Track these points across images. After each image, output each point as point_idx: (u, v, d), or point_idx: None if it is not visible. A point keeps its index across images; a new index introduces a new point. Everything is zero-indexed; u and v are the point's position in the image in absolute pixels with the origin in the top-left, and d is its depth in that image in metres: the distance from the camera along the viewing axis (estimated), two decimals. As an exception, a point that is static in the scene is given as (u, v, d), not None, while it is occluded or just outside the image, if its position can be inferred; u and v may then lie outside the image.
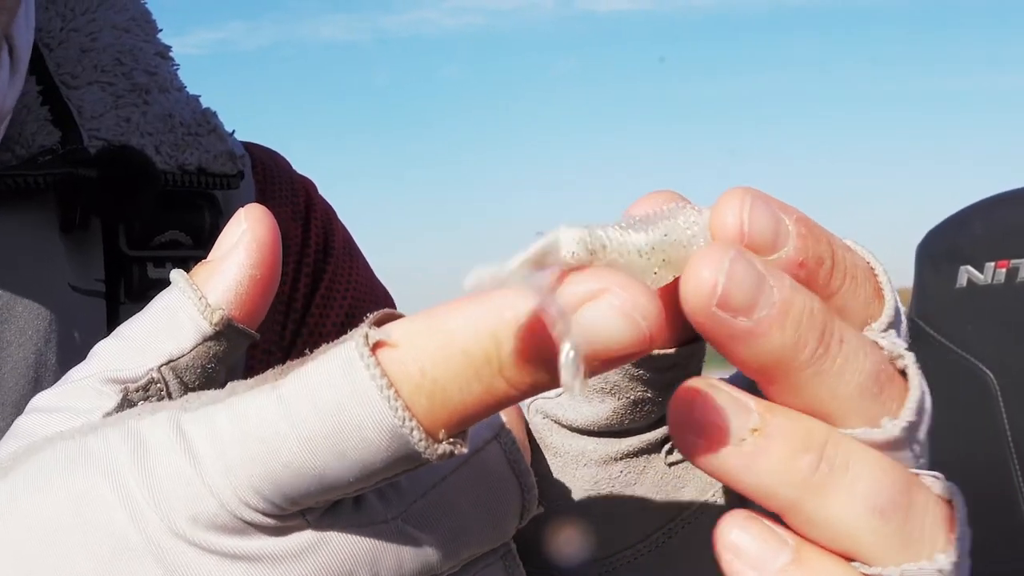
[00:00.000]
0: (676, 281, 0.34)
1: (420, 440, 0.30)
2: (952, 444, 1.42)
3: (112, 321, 0.73)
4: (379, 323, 0.32)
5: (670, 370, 0.41)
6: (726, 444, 0.33)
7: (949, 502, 0.35)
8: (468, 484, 0.36)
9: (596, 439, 0.44)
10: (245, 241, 0.40)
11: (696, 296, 0.32)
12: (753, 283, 0.32)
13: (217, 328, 0.38)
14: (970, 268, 1.42)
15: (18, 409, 0.64)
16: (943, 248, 1.49)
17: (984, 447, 1.40)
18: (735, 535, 0.34)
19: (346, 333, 0.31)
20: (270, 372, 0.33)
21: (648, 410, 0.43)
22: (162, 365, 0.38)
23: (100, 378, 0.38)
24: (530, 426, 0.46)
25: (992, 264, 1.40)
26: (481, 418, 0.31)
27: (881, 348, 0.35)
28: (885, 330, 0.35)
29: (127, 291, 0.74)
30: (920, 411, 0.34)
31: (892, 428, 0.34)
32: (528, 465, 0.37)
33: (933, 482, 0.35)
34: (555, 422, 0.45)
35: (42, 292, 0.67)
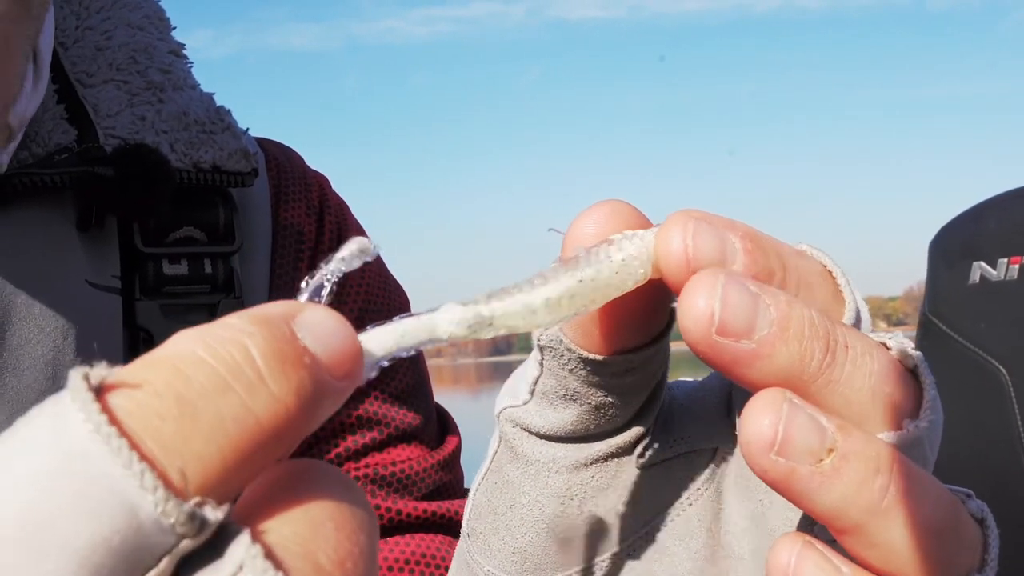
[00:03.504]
0: (630, 289, 0.34)
1: (157, 489, 0.22)
2: (964, 440, 1.42)
3: (128, 317, 0.73)
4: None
5: (626, 374, 0.41)
6: (804, 463, 0.32)
7: (981, 520, 0.35)
8: None
9: (565, 445, 0.44)
10: None
11: (695, 326, 0.32)
12: (749, 304, 0.32)
13: None
14: (983, 264, 1.42)
15: (37, 404, 0.65)
16: (956, 244, 1.48)
17: (996, 442, 1.39)
18: (790, 559, 0.33)
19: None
20: None
21: (612, 415, 0.43)
22: None
23: None
24: (502, 436, 0.46)
25: (1005, 260, 1.40)
26: (251, 469, 0.25)
27: (888, 348, 0.35)
28: None
29: (142, 287, 0.74)
30: (936, 409, 0.34)
31: (915, 430, 0.33)
32: None
33: (967, 500, 0.35)
34: (525, 430, 0.45)
35: (60, 288, 0.68)
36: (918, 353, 0.35)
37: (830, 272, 0.36)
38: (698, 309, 0.32)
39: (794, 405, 0.32)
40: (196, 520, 0.23)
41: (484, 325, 0.32)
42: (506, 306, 0.33)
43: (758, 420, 0.32)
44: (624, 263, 0.34)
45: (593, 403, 0.42)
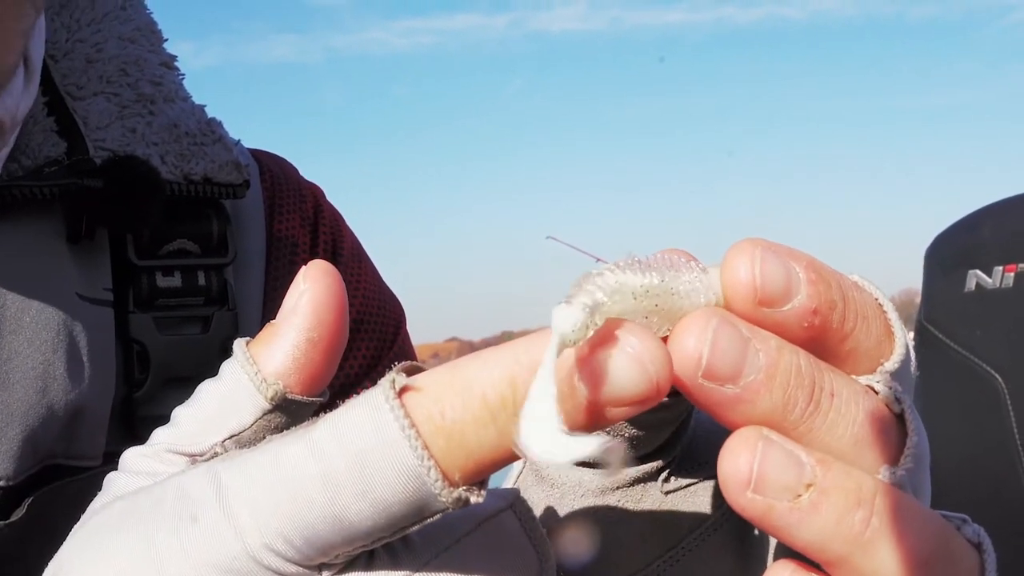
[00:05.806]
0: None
1: (436, 480, 0.31)
2: (960, 448, 1.42)
3: (122, 330, 0.73)
4: (406, 372, 0.33)
5: (663, 409, 0.41)
6: (782, 499, 0.32)
7: (978, 545, 0.35)
8: (483, 549, 0.35)
9: (592, 470, 0.44)
10: (303, 303, 0.39)
11: (682, 366, 0.32)
12: (738, 350, 0.32)
13: (274, 403, 0.38)
14: (978, 272, 1.42)
15: (27, 418, 0.65)
16: (952, 252, 1.48)
17: (992, 451, 1.39)
18: None
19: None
20: (304, 424, 0.34)
21: (642, 445, 0.42)
22: (226, 440, 0.38)
23: (172, 449, 0.39)
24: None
25: (1000, 268, 1.40)
26: (497, 467, 0.32)
27: (876, 393, 0.34)
28: (897, 368, 0.35)
29: (136, 300, 0.74)
30: (918, 457, 0.34)
31: (891, 477, 0.33)
32: (545, 535, 0.37)
33: (962, 526, 0.35)
34: None
35: (50, 302, 0.67)
36: (906, 398, 0.35)
37: (881, 306, 0.36)
38: (686, 351, 0.32)
39: (770, 442, 0.32)
40: (462, 500, 0.32)
41: (596, 315, 0.31)
42: (614, 281, 0.32)
43: (734, 458, 0.32)
44: (686, 279, 0.33)
45: (625, 435, 0.42)
